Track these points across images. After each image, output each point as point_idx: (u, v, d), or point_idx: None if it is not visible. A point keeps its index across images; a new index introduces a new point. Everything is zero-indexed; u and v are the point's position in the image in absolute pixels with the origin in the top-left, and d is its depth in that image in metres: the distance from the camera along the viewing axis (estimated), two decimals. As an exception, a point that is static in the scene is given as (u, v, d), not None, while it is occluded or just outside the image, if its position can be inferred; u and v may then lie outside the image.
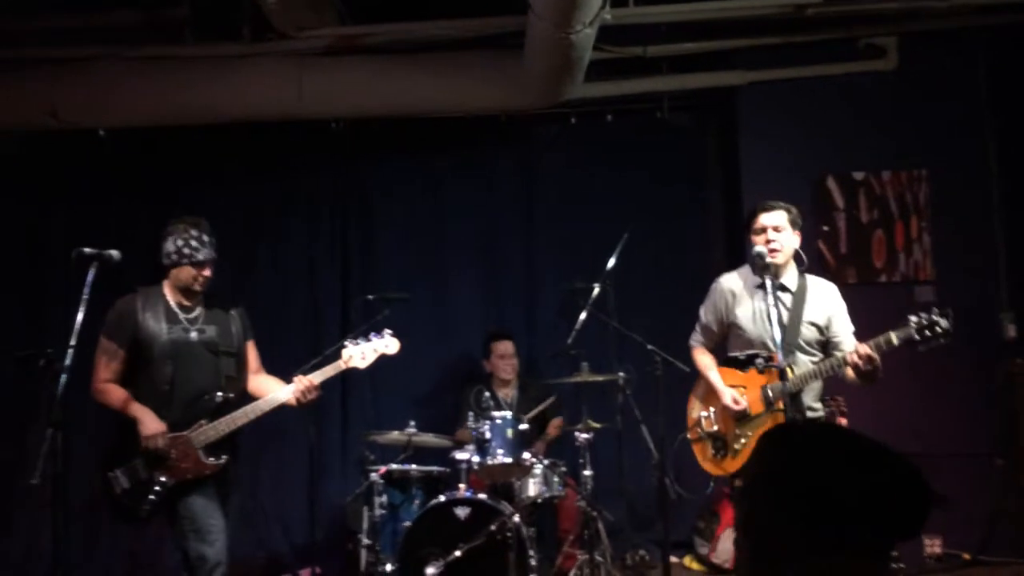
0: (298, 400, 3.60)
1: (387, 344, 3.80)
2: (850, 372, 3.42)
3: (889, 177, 5.31)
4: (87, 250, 3.21)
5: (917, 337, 3.24)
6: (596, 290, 4.70)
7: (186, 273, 3.60)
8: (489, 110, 5.43)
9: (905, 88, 5.30)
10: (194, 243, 3.59)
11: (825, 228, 5.30)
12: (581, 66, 4.76)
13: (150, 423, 3.43)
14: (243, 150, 5.69)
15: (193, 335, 3.61)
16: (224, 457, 3.53)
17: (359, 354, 3.74)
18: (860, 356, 3.27)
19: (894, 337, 3.27)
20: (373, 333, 3.82)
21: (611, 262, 4.69)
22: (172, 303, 3.64)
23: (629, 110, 5.69)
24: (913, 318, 3.26)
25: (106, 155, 5.55)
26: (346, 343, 3.80)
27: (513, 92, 5.13)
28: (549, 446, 5.09)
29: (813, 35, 5.18)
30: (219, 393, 3.56)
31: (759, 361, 3.22)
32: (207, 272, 3.63)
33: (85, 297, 3.13)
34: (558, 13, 4.06)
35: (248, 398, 3.66)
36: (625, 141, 5.76)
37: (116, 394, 3.52)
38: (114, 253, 3.27)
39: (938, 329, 3.22)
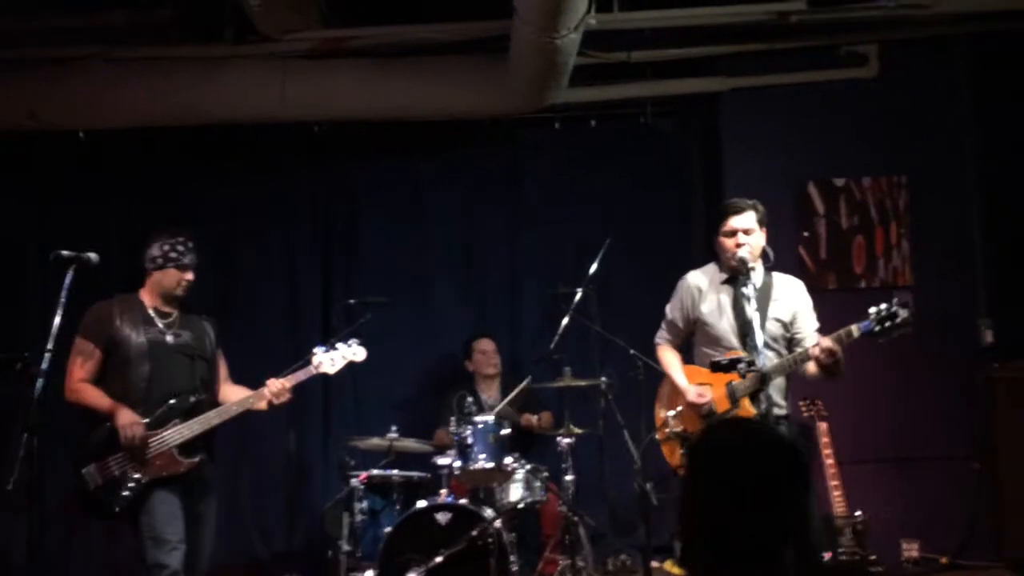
0: (269, 402, 3.66)
1: (355, 352, 3.87)
2: (811, 367, 3.43)
3: (869, 183, 5.35)
4: (65, 253, 3.18)
5: (877, 328, 3.25)
6: (579, 295, 4.71)
7: (170, 277, 3.64)
8: (474, 114, 5.42)
9: (885, 95, 5.34)
10: (180, 247, 3.65)
11: (806, 234, 5.32)
12: (566, 71, 4.77)
13: (126, 414, 3.45)
14: (225, 152, 5.65)
15: (169, 338, 3.65)
16: (198, 457, 3.55)
17: (328, 360, 3.81)
18: (822, 349, 3.29)
19: (855, 329, 3.29)
20: (340, 341, 3.91)
21: (594, 267, 4.69)
22: (149, 308, 3.68)
23: (613, 115, 5.71)
24: (872, 309, 3.27)
25: (87, 157, 5.50)
26: (316, 349, 3.87)
27: (498, 96, 5.13)
28: (534, 430, 5.08)
29: (795, 42, 5.21)
30: (193, 395, 3.59)
31: (741, 366, 3.22)
32: (190, 276, 3.67)
33: (63, 300, 3.09)
34: (543, 17, 4.07)
35: (219, 405, 3.70)
36: (609, 146, 5.77)
37: (92, 392, 3.54)
38: (92, 256, 3.24)
39: (898, 320, 3.24)
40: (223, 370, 3.86)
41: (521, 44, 4.50)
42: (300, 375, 3.73)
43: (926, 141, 5.34)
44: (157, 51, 5.07)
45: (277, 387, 3.64)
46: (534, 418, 5.11)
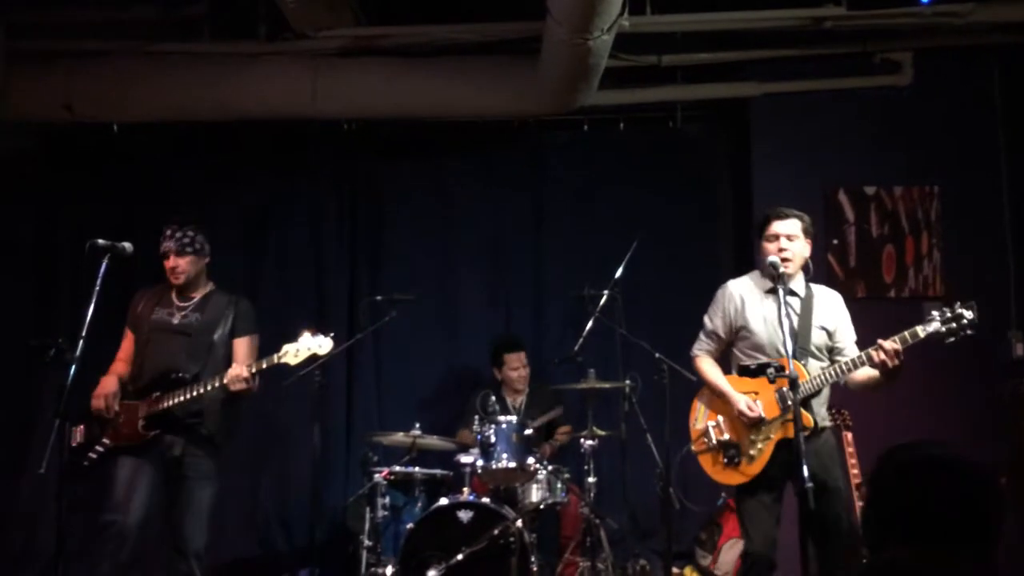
0: (232, 386, 3.70)
1: (320, 344, 3.82)
2: (859, 376, 3.38)
3: (901, 192, 5.30)
4: (101, 242, 3.23)
5: (943, 329, 3.19)
6: (604, 297, 4.70)
7: (166, 268, 3.88)
8: (502, 115, 5.43)
9: (919, 104, 5.29)
10: (162, 239, 3.87)
11: (835, 241, 5.28)
12: (596, 73, 4.76)
13: (104, 384, 3.79)
14: (255, 148, 5.70)
15: (176, 320, 3.89)
16: (155, 432, 3.71)
17: (293, 351, 3.79)
18: (887, 352, 3.18)
19: (920, 331, 3.22)
20: (313, 333, 3.85)
21: (620, 270, 4.68)
22: (172, 292, 3.95)
23: (642, 118, 5.69)
24: (936, 312, 3.22)
25: (119, 150, 5.57)
26: (302, 333, 3.86)
27: (527, 97, 5.13)
28: (555, 451, 5.08)
29: (828, 48, 5.17)
30: (178, 371, 3.75)
31: (770, 371, 3.17)
32: (171, 263, 3.85)
33: (97, 289, 3.13)
34: (576, 19, 4.06)
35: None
36: (637, 149, 5.76)
37: (110, 368, 3.90)
38: (127, 245, 3.29)
39: (964, 321, 3.18)
40: (241, 355, 3.91)
41: (553, 45, 4.49)
42: (263, 363, 3.78)
43: (959, 151, 5.29)
44: (191, 46, 5.11)
45: (233, 373, 3.70)
46: (555, 443, 5.10)
